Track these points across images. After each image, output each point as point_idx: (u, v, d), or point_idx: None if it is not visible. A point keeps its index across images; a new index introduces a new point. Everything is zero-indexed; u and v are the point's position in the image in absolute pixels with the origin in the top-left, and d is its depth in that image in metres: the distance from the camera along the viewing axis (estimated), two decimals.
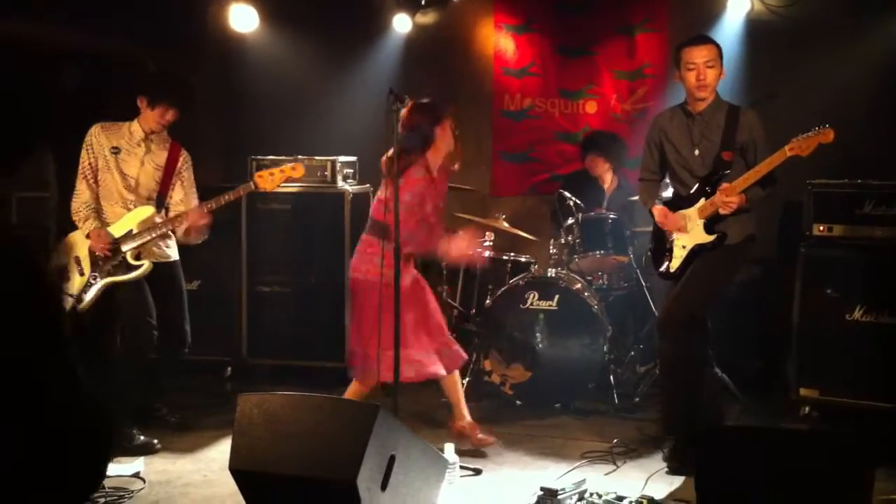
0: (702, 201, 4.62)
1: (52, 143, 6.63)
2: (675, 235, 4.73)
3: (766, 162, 4.44)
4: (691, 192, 4.69)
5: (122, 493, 4.24)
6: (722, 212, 4.52)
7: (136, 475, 4.46)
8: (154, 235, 5.00)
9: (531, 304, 5.76)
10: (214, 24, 7.30)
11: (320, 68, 7.22)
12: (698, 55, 4.59)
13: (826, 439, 3.29)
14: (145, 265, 4.99)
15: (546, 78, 7.36)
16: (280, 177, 5.06)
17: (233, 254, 6.43)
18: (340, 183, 6.37)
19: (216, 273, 6.45)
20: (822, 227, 5.34)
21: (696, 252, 4.64)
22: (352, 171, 6.51)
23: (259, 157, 6.53)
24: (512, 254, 6.37)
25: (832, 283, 5.25)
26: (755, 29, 6.67)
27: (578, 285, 5.85)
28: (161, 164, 5.14)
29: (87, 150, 5.06)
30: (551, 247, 6.21)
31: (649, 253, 5.06)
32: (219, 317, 6.43)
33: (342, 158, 6.42)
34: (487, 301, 6.00)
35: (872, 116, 6.15)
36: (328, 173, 6.37)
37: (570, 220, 6.08)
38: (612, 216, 6.06)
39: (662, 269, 4.79)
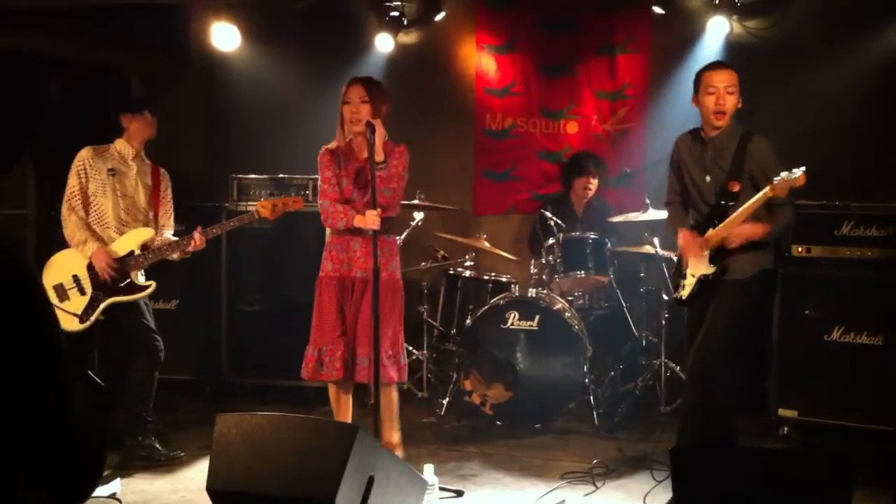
0: (710, 231, 4.49)
1: (32, 158, 6.61)
2: (689, 263, 4.63)
3: (750, 203, 4.29)
4: (701, 219, 4.59)
5: None
6: (728, 246, 4.40)
7: (113, 496, 4.42)
8: (164, 256, 5.09)
9: (512, 323, 5.75)
10: (197, 43, 7.30)
11: (302, 87, 7.23)
12: (719, 79, 4.46)
13: (804, 459, 3.29)
14: (153, 286, 5.10)
15: (528, 97, 7.39)
16: (281, 208, 5.16)
17: (213, 272, 6.40)
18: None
19: (196, 291, 6.42)
20: (800, 248, 5.37)
21: (702, 283, 4.50)
22: None
23: (240, 175, 6.53)
24: (493, 273, 6.38)
25: (811, 303, 5.28)
26: (734, 51, 6.72)
27: (559, 305, 5.86)
28: (149, 183, 5.25)
29: (80, 174, 5.07)
30: (532, 266, 6.23)
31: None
32: (198, 335, 6.40)
33: None
34: (468, 321, 5.99)
35: (852, 137, 6.20)
36: (309, 192, 6.38)
37: (551, 240, 6.10)
38: (592, 236, 6.08)
39: (675, 295, 4.72)
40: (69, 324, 4.93)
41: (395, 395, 4.78)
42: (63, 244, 5.11)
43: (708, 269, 4.46)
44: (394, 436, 4.79)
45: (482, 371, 5.78)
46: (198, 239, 5.09)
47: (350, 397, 4.78)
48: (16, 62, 6.16)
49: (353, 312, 4.63)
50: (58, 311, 4.88)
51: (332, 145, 4.71)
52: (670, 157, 4.81)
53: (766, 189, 4.24)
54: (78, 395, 1.77)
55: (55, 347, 1.74)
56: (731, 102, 4.45)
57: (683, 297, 4.59)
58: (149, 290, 5.09)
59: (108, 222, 5.08)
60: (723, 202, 4.43)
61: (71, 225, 5.03)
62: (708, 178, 4.52)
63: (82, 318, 4.96)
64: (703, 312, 4.49)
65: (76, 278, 5.00)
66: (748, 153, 4.42)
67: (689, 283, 4.56)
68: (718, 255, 4.44)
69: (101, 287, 4.99)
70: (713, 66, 4.59)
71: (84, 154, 5.12)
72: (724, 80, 4.46)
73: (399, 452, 4.74)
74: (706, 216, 4.54)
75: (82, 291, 4.99)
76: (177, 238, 5.14)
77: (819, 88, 6.27)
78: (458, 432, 5.69)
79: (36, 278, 1.79)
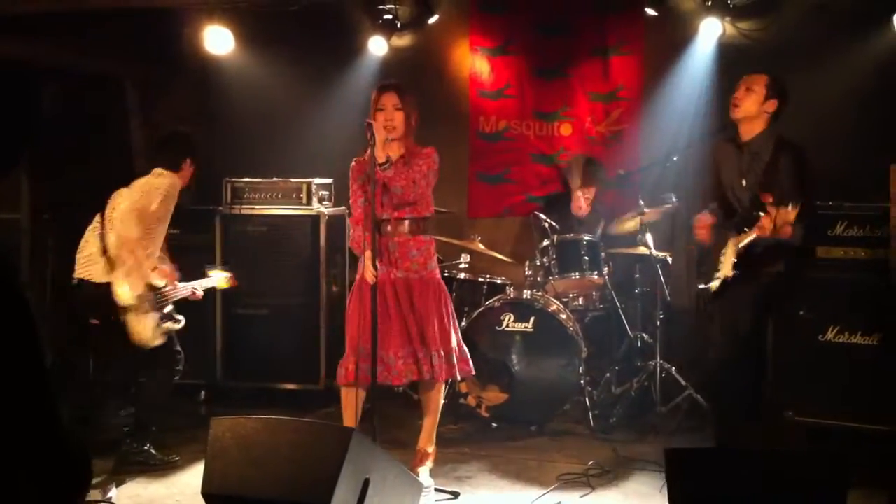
0: (739, 236, 4.57)
1: (26, 163, 6.60)
2: (721, 260, 4.66)
3: (745, 239, 4.45)
4: (739, 220, 4.64)
5: None
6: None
7: (108, 500, 4.41)
8: (174, 299, 5.12)
9: (507, 325, 5.76)
10: (190, 47, 7.29)
11: (296, 91, 7.22)
12: (743, 80, 4.67)
13: (800, 460, 3.29)
14: (183, 320, 5.13)
15: (521, 100, 7.40)
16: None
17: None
18: (316, 205, 6.37)
19: None
20: None
21: (725, 283, 4.59)
22: (327, 192, 6.52)
23: (234, 179, 6.53)
24: (488, 275, 6.38)
25: (805, 304, 5.29)
26: (727, 52, 6.74)
27: (554, 307, 5.86)
28: None
29: (167, 201, 4.97)
30: (527, 268, 6.24)
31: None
32: (194, 339, 6.37)
33: (318, 180, 6.42)
34: (463, 323, 5.99)
35: (844, 137, 6.21)
36: (303, 195, 6.38)
37: (546, 242, 6.11)
38: (587, 237, 6.08)
39: (706, 286, 4.75)
40: (148, 339, 4.93)
41: (439, 395, 4.74)
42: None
43: (730, 273, 4.55)
44: (429, 445, 4.73)
45: (478, 373, 5.76)
46: (199, 295, 5.28)
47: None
48: (10, 68, 6.15)
49: (397, 314, 4.56)
50: (138, 329, 4.89)
51: (363, 155, 4.68)
52: (712, 160, 4.93)
53: (754, 232, 4.39)
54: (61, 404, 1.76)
55: (41, 354, 1.74)
56: (747, 100, 4.61)
57: (713, 290, 4.65)
58: (181, 324, 5.12)
59: (153, 252, 4.99)
60: (755, 213, 4.48)
61: (139, 233, 4.84)
62: (744, 182, 4.62)
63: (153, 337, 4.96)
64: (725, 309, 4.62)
65: (140, 298, 4.90)
66: (780, 163, 4.50)
67: (714, 283, 4.64)
68: (741, 259, 4.51)
69: (160, 309, 4.99)
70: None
71: (175, 182, 5.05)
72: (746, 80, 4.66)
73: (429, 463, 4.70)
74: (741, 218, 4.61)
75: (146, 311, 4.92)
76: (185, 286, 5.19)
77: (812, 90, 6.27)
78: (453, 434, 5.68)
79: (23, 285, 1.78)
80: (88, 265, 4.95)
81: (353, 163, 4.70)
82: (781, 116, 4.69)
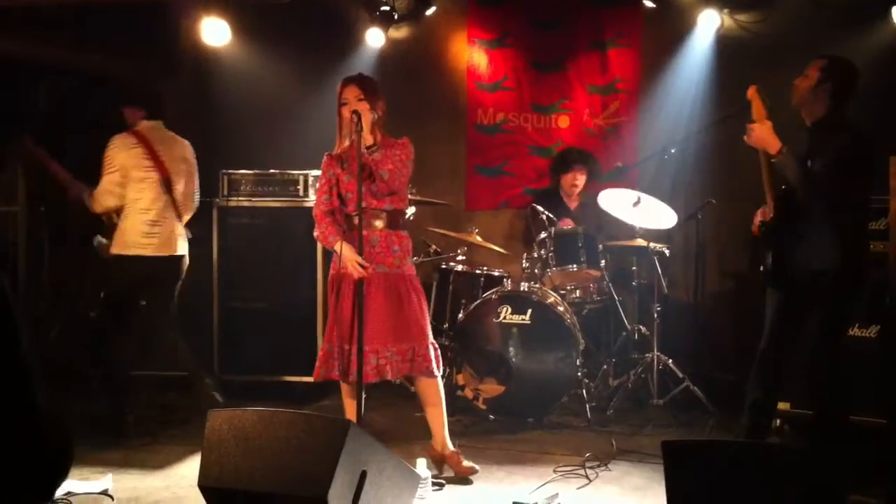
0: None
1: (22, 156, 6.58)
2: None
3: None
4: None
5: None
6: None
7: (105, 492, 4.40)
8: None
9: (504, 317, 5.75)
10: (187, 38, 7.27)
11: (293, 83, 7.21)
12: (808, 66, 4.62)
13: (799, 453, 3.28)
14: None
15: (519, 92, 7.39)
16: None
17: (204, 268, 6.37)
18: (313, 196, 6.35)
19: (187, 288, 6.38)
20: None
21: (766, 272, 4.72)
22: None
23: (231, 170, 6.51)
24: (485, 268, 6.39)
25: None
26: (725, 45, 6.75)
27: (552, 299, 5.86)
28: None
29: None
30: (524, 261, 6.23)
31: None
32: (190, 332, 6.36)
33: (315, 172, 6.39)
34: (460, 315, 5.99)
35: None
36: (300, 187, 6.36)
37: (543, 234, 6.10)
38: (584, 230, 6.08)
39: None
40: None
41: (438, 390, 4.70)
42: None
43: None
44: (446, 445, 4.74)
45: (475, 365, 5.77)
46: None
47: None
48: (6, 63, 6.13)
49: (377, 310, 4.49)
50: None
51: (336, 151, 4.66)
52: None
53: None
54: (43, 396, 1.75)
55: (22, 342, 1.74)
56: (801, 83, 4.58)
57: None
58: None
59: None
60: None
61: None
62: (809, 164, 4.55)
63: None
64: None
65: None
66: (828, 147, 4.43)
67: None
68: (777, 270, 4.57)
69: None
70: None
71: None
72: (809, 66, 4.60)
73: (465, 465, 4.68)
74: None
75: None
76: None
77: None
78: (451, 427, 5.62)
79: (9, 290, 1.77)
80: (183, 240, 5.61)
81: (325, 157, 4.65)
82: (846, 99, 4.55)
